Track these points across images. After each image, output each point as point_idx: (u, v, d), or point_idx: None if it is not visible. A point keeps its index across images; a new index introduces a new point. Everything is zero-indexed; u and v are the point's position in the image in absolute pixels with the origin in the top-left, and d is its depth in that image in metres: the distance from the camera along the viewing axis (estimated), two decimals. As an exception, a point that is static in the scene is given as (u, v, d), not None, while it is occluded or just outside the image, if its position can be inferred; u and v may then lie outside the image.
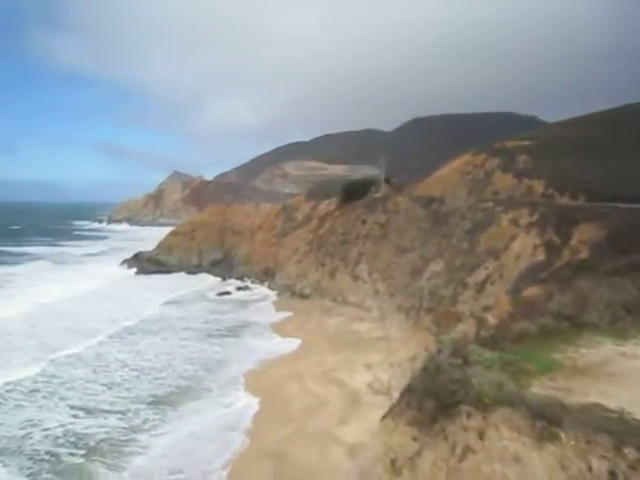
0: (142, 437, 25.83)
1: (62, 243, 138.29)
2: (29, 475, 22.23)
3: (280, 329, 47.35)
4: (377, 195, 67.45)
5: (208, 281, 76.53)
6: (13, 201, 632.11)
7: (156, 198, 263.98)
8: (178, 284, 73.01)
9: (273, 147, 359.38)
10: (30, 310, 51.76)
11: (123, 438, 25.67)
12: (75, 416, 28.06)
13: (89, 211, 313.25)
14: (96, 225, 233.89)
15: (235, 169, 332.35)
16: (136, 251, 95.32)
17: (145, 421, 27.76)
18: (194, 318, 52.77)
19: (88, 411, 28.78)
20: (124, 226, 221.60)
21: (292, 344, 42.43)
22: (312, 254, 65.85)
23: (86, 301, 58.20)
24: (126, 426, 26.98)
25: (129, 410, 29.03)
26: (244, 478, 22.27)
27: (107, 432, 26.20)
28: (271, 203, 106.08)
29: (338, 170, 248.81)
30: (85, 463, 23.24)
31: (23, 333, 43.85)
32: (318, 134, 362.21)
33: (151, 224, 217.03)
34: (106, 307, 55.20)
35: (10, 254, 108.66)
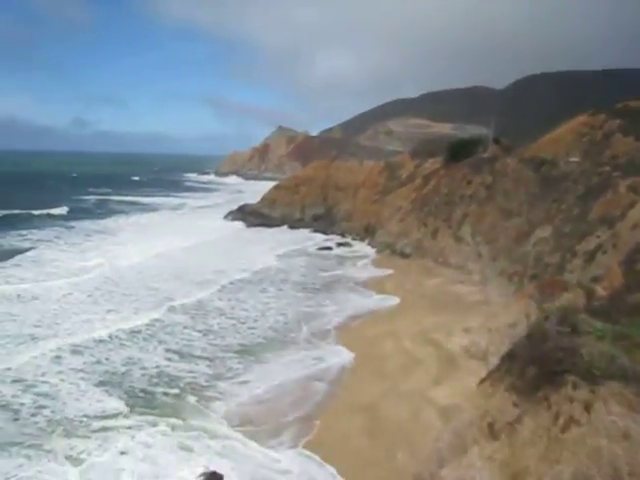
0: (223, 384, 27.04)
1: (176, 194, 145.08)
2: (127, 405, 24.39)
3: (378, 287, 47.45)
4: (484, 155, 64.95)
5: (309, 236, 77.71)
6: (125, 152, 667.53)
7: (261, 152, 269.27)
8: (281, 238, 74.74)
9: (378, 103, 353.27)
10: (146, 260, 54.88)
11: (205, 384, 27.06)
12: (169, 359, 29.96)
13: (197, 164, 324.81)
14: (205, 178, 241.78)
15: (339, 125, 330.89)
16: (241, 203, 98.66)
17: (229, 369, 28.99)
18: (294, 271, 53.98)
19: (182, 355, 30.61)
20: (234, 179, 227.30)
21: (390, 302, 42.50)
22: (414, 213, 64.94)
23: (197, 253, 60.90)
24: (211, 373, 28.38)
25: (217, 357, 30.47)
26: (334, 428, 22.84)
27: (194, 377, 27.73)
28: (375, 160, 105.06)
29: (444, 128, 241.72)
30: (173, 403, 24.92)
31: (139, 283, 46.43)
32: (425, 90, 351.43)
33: (256, 178, 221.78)
34: (217, 259, 57.39)
35: (131, 204, 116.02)
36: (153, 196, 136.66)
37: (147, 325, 35.42)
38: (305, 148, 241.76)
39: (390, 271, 54.11)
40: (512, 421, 8.01)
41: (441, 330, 34.32)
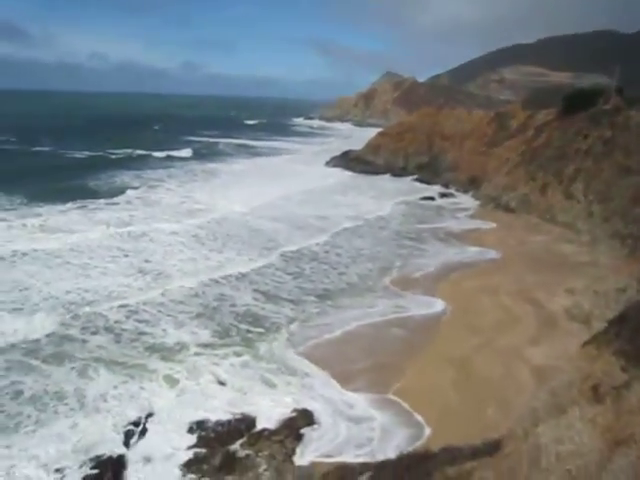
0: (293, 327, 27.64)
1: (284, 139, 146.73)
2: (216, 337, 26.17)
3: (480, 240, 46.15)
4: (605, 107, 60.42)
5: (412, 185, 76.50)
6: (233, 95, 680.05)
7: (367, 98, 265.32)
8: (384, 186, 74.06)
9: (491, 49, 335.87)
10: (252, 204, 55.83)
11: (286, 324, 27.90)
12: (257, 299, 31.09)
13: (303, 108, 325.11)
14: (312, 122, 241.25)
15: (449, 72, 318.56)
16: (345, 149, 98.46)
17: (304, 312, 29.56)
18: (393, 220, 53.66)
19: (268, 297, 31.57)
20: (339, 124, 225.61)
21: (490, 256, 41.32)
22: (523, 166, 62.04)
23: (301, 198, 61.62)
24: (292, 315, 29.09)
25: (300, 301, 31.13)
26: (423, 378, 22.81)
27: (278, 317, 28.67)
28: (484, 110, 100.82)
29: (562, 77, 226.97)
30: (256, 339, 26.16)
31: (242, 226, 47.68)
32: (543, 35, 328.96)
33: (360, 124, 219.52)
34: (320, 205, 57.92)
35: (241, 147, 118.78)
36: (263, 140, 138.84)
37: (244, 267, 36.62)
38: (411, 95, 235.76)
39: (493, 225, 52.46)
40: (619, 386, 7.63)
41: (542, 289, 33.06)
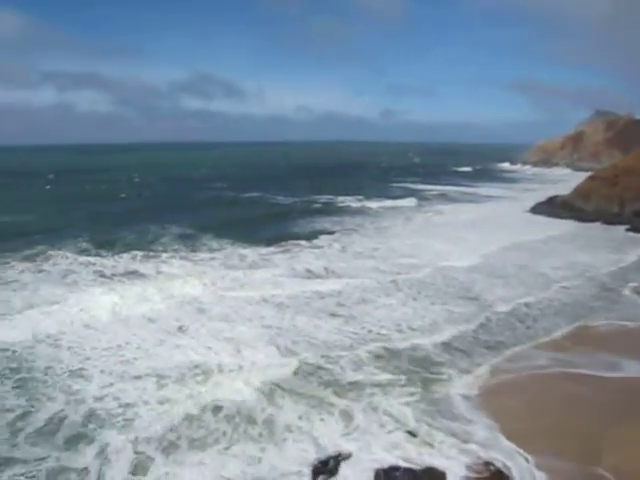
0: (464, 378, 26.90)
1: (495, 185, 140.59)
2: (394, 378, 26.38)
3: None
4: None
5: (628, 235, 68.09)
6: (431, 142, 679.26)
7: (574, 140, 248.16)
8: (596, 235, 67.35)
9: None
10: (458, 255, 53.30)
11: (456, 373, 27.30)
12: (436, 346, 30.92)
13: (505, 152, 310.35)
14: (516, 167, 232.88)
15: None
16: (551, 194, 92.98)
17: (474, 363, 28.79)
18: (601, 272, 48.08)
19: (446, 345, 31.09)
20: (553, 169, 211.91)
21: None
22: None
23: (509, 248, 57.88)
24: (464, 366, 28.32)
25: (475, 352, 30.26)
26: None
27: (450, 366, 28.19)
28: None
29: None
30: (427, 385, 25.87)
31: (447, 278, 45.27)
32: None
33: (568, 168, 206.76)
34: (530, 258, 53.39)
35: (453, 194, 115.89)
36: (471, 187, 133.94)
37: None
38: (627, 133, 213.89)
39: None
40: None
41: None
